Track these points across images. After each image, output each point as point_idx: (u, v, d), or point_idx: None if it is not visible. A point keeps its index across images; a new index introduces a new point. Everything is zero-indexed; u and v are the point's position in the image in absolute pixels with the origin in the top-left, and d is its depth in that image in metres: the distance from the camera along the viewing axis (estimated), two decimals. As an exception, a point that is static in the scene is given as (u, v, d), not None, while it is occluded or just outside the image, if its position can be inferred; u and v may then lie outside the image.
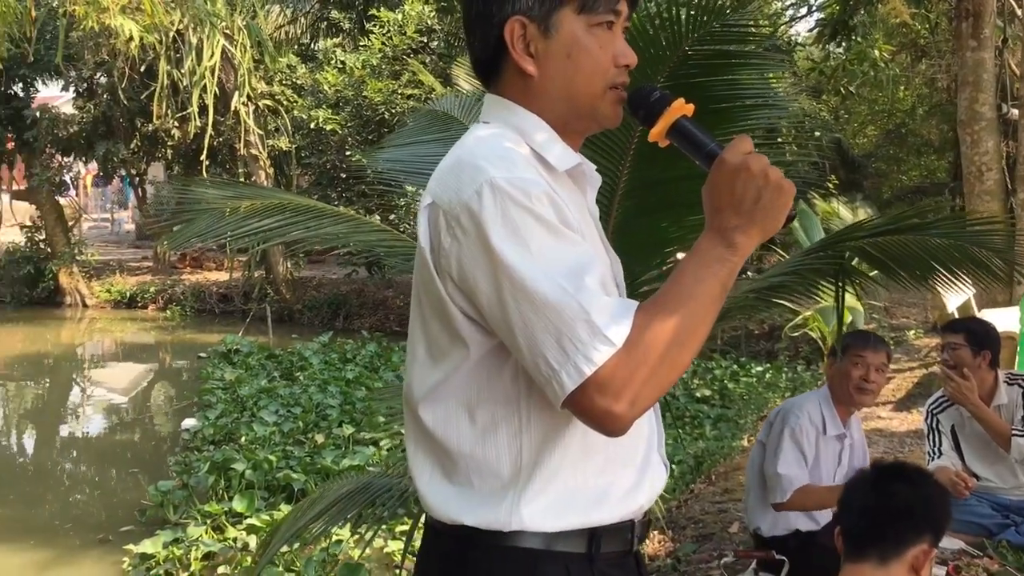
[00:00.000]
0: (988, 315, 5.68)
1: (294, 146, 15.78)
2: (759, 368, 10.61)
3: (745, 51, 2.72)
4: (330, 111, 14.57)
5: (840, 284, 3.19)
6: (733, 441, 7.35)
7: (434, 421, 1.35)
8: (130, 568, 5.58)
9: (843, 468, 3.63)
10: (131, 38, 10.28)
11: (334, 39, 16.47)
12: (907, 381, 8.33)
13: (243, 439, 7.75)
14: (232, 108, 15.34)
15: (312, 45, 18.05)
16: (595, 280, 1.22)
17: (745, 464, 5.77)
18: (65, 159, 18.41)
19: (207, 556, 5.60)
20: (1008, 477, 4.02)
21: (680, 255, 3.54)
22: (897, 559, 1.99)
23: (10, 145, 18.20)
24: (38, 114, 17.18)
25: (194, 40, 14.05)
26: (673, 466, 6.22)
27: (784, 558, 3.45)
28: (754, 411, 8.54)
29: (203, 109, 14.66)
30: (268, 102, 15.93)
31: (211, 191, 2.83)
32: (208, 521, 5.99)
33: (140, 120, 17.16)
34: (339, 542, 5.36)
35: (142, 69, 15.30)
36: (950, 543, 3.76)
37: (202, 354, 12.70)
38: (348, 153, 14.13)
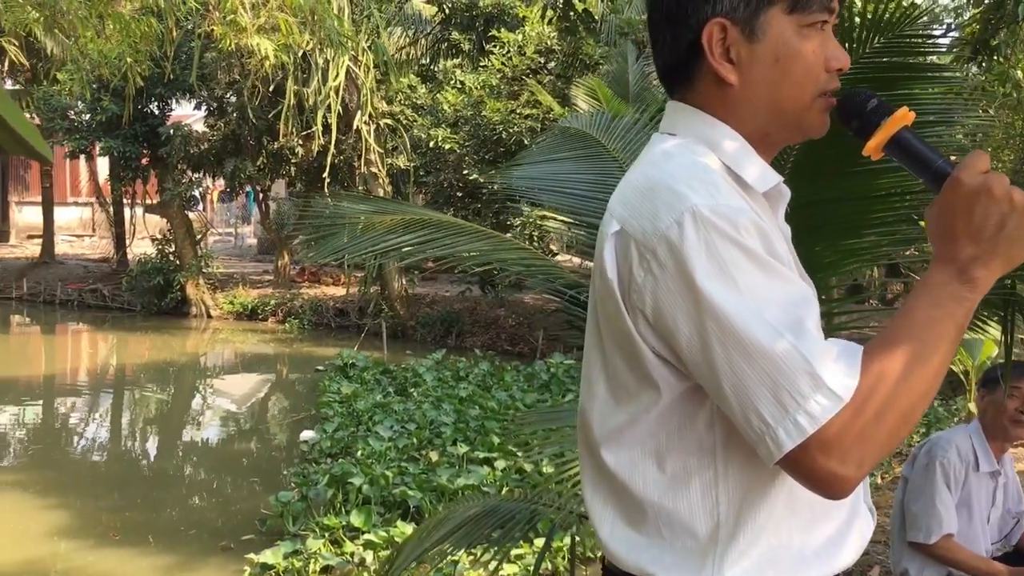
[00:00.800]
0: None
1: (412, 164, 16.03)
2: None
3: (923, 64, 2.54)
4: (449, 130, 14.74)
5: (1010, 317, 2.97)
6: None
7: (617, 464, 1.23)
8: (250, 578, 5.66)
9: (997, 509, 3.40)
10: (266, 57, 10.60)
11: (454, 60, 16.70)
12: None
13: (359, 453, 7.80)
14: (354, 127, 15.71)
15: (432, 66, 18.34)
16: (813, 322, 1.09)
17: (881, 502, 5.48)
18: (195, 175, 19.15)
19: (325, 569, 5.64)
20: None
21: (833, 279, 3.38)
22: None
23: (145, 160, 19.11)
24: (172, 131, 17.94)
25: (320, 60, 14.48)
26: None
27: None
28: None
29: (326, 127, 15.07)
30: (388, 121, 16.24)
31: (360, 206, 2.82)
32: (326, 534, 6.03)
33: (267, 138, 17.74)
34: (455, 563, 5.31)
35: (271, 89, 15.83)
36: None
37: (320, 367, 12.94)
38: (465, 172, 14.26)
